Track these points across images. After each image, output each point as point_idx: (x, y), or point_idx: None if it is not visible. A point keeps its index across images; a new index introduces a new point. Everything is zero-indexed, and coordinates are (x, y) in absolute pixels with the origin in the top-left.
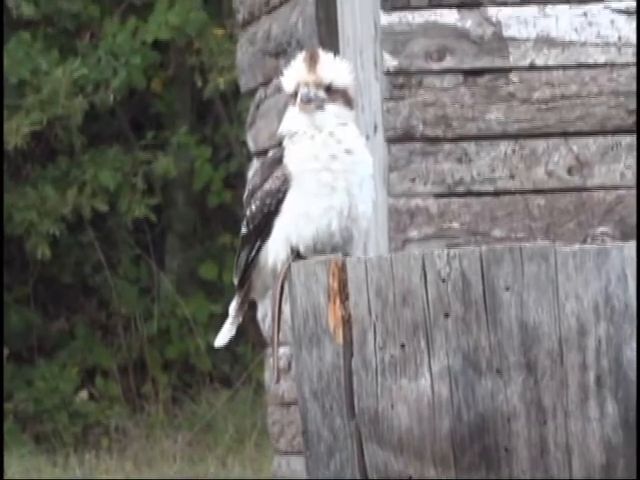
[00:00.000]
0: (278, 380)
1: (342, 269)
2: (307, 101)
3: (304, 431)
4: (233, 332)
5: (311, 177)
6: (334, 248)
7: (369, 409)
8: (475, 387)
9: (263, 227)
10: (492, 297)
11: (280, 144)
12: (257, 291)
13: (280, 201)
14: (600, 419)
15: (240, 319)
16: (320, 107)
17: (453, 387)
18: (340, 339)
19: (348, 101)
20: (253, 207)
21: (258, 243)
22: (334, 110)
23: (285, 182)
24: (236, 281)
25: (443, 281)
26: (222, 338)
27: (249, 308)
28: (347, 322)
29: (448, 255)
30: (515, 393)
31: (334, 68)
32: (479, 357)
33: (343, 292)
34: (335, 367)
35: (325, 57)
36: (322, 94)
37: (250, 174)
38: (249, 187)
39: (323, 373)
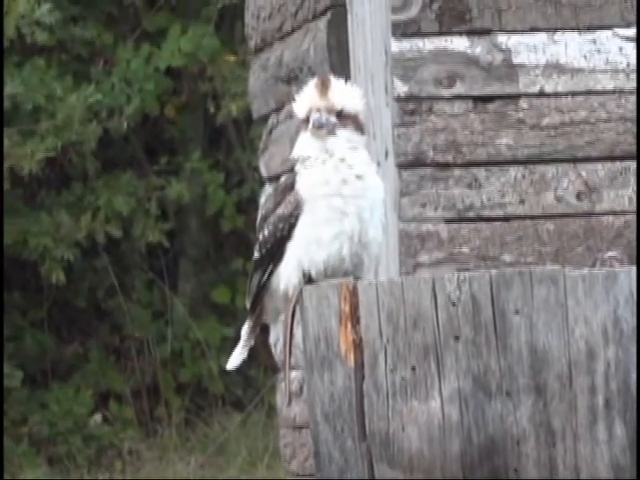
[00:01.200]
0: (290, 403)
1: (353, 293)
2: (319, 126)
3: (316, 453)
4: (245, 355)
5: (322, 202)
6: (345, 273)
7: (380, 431)
8: (485, 409)
9: (275, 251)
10: (502, 320)
11: (292, 169)
12: (269, 315)
13: (292, 226)
14: (609, 441)
15: (252, 342)
16: (332, 132)
17: (463, 409)
18: (351, 362)
19: (359, 126)
20: (266, 232)
21: (270, 267)
22: (345, 135)
23: (297, 207)
24: (248, 305)
25: (453, 304)
26: (234, 361)
27: (261, 331)
28: (358, 345)
29: (458, 279)
30: (524, 415)
31: (345, 94)
32: (489, 380)
33: (354, 316)
34: (346, 390)
35: (337, 83)
36: (333, 119)
37: (262, 199)
38: (262, 212)
39: (334, 396)
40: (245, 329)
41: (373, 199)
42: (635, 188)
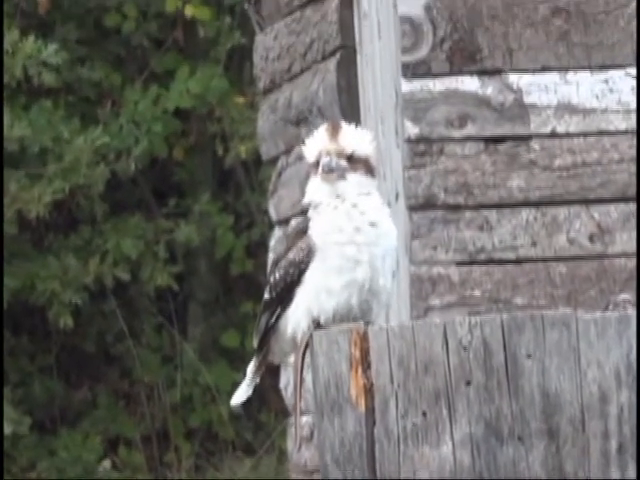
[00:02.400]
0: (300, 448)
1: (364, 338)
2: (329, 170)
3: None
4: (250, 392)
5: (335, 250)
6: (354, 318)
7: (391, 477)
8: (497, 454)
9: (285, 295)
10: (514, 365)
11: (303, 213)
12: (275, 355)
13: (302, 272)
14: None
15: (257, 380)
16: (342, 176)
17: (475, 454)
18: (362, 407)
19: (370, 170)
20: (277, 275)
21: (279, 310)
22: (356, 179)
23: (309, 254)
24: (255, 344)
25: (465, 349)
26: (238, 397)
27: (267, 372)
28: (369, 390)
29: (469, 323)
30: (537, 460)
31: (356, 137)
32: (501, 424)
33: (365, 361)
34: (357, 435)
35: (347, 127)
36: (344, 163)
37: (272, 243)
38: (273, 255)
39: (345, 441)
40: (251, 367)
41: (386, 247)
42: None
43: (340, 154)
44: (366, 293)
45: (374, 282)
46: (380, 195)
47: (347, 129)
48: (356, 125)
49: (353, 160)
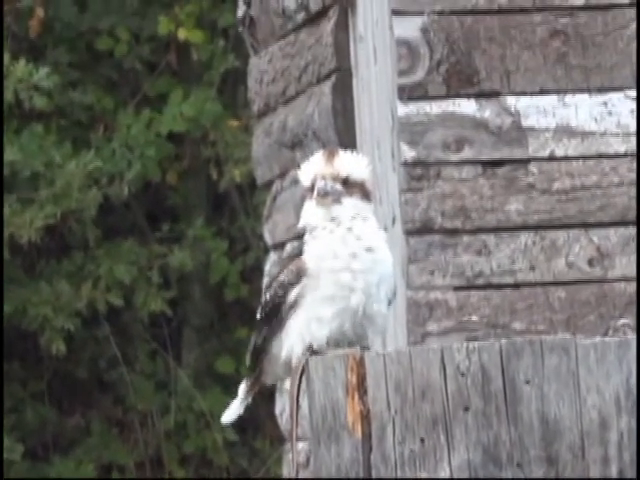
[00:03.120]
0: (297, 475)
1: (360, 364)
2: (324, 194)
3: None
4: (241, 411)
5: (330, 278)
6: (349, 343)
7: None
8: None
9: (273, 316)
10: (512, 390)
11: (299, 237)
12: (268, 377)
13: (288, 292)
14: None
15: (249, 400)
16: (337, 200)
17: None
18: (359, 434)
19: (366, 194)
20: (267, 296)
21: (265, 330)
22: (352, 203)
23: (297, 275)
24: (247, 362)
25: (462, 375)
26: (230, 415)
27: (260, 394)
28: (366, 417)
29: (467, 349)
30: None
31: (351, 162)
32: (499, 451)
33: (362, 387)
34: (354, 462)
35: (343, 152)
36: (339, 187)
37: (267, 267)
38: (268, 277)
39: (342, 468)
40: (243, 387)
41: (382, 273)
42: None
43: (335, 178)
44: (360, 318)
45: (368, 307)
46: (376, 220)
47: (343, 154)
48: (352, 149)
49: (349, 184)
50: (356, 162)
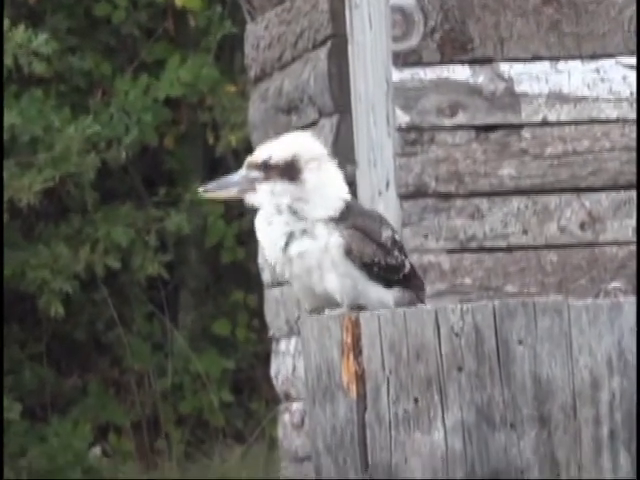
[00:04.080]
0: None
1: (355, 324)
2: (210, 188)
3: None
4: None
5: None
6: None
7: (383, 463)
8: (489, 441)
9: None
10: (505, 351)
11: None
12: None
13: None
14: (613, 472)
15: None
16: (250, 189)
17: (467, 441)
18: (354, 394)
19: (291, 175)
20: None
21: None
22: (267, 188)
23: None
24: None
25: (456, 335)
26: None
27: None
28: (361, 377)
29: (461, 310)
30: (528, 447)
31: (273, 145)
32: (493, 411)
33: (357, 347)
34: (349, 421)
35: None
36: (255, 174)
37: None
38: None
39: (337, 427)
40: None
41: (307, 251)
42: None
43: (250, 165)
44: (322, 299)
45: (319, 290)
46: (307, 193)
47: (273, 141)
48: (347, 114)
49: (269, 169)
50: (280, 145)
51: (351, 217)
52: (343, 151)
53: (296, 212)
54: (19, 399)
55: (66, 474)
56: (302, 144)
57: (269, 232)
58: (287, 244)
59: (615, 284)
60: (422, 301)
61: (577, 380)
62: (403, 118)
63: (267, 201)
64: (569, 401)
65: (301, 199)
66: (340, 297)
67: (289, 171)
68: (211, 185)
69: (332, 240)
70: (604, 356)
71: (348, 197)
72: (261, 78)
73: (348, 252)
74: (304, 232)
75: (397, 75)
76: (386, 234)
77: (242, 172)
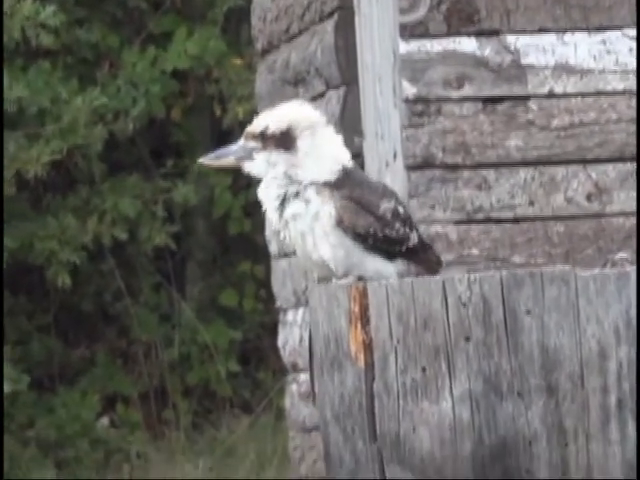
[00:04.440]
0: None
1: (363, 294)
2: (211, 157)
3: (326, 455)
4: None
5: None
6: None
7: (391, 432)
8: (496, 410)
9: None
10: (513, 321)
11: None
12: None
13: None
14: (621, 441)
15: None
16: (248, 158)
17: (474, 410)
18: (362, 363)
19: (287, 144)
20: None
21: None
22: (263, 157)
23: None
24: None
25: (464, 305)
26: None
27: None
28: (368, 346)
29: (469, 279)
30: (536, 416)
31: (270, 115)
32: (500, 380)
33: (364, 316)
34: (357, 391)
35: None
36: (252, 144)
37: None
38: None
39: (345, 397)
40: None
41: (302, 219)
42: None
43: (248, 136)
44: (322, 267)
45: (314, 256)
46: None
47: (270, 110)
48: (353, 86)
49: (265, 138)
50: (277, 114)
51: (348, 186)
52: (350, 123)
53: (290, 177)
54: (27, 370)
55: (74, 444)
56: (297, 113)
57: (266, 195)
58: (282, 206)
59: (622, 254)
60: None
61: (585, 349)
62: (410, 90)
63: (264, 170)
64: (577, 370)
65: (295, 165)
66: (334, 266)
67: (284, 140)
68: (210, 155)
69: (324, 208)
70: (611, 325)
71: (349, 164)
72: (268, 50)
73: (339, 222)
74: (297, 195)
75: (404, 47)
76: (386, 206)
77: (241, 142)
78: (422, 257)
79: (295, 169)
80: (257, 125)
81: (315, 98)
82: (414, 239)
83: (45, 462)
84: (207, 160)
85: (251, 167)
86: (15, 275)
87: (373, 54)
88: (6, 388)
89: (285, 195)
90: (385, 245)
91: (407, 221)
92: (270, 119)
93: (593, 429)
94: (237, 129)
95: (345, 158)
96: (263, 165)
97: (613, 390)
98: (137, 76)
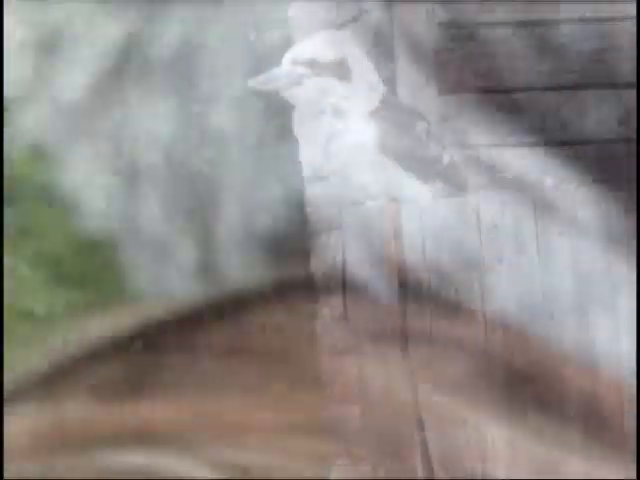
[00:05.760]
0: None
1: (397, 215)
2: (262, 81)
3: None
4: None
5: None
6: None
7: (423, 353)
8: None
9: None
10: (545, 242)
11: None
12: None
13: None
14: None
15: None
16: (297, 84)
17: (506, 330)
18: (395, 284)
19: (340, 73)
20: None
21: None
22: (312, 84)
23: None
24: None
25: (496, 227)
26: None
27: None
28: (402, 267)
29: (501, 202)
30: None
31: (319, 42)
32: (533, 301)
33: (398, 237)
34: (391, 312)
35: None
36: (301, 69)
37: None
38: None
39: (379, 317)
40: None
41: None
42: None
43: (296, 62)
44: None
45: (355, 184)
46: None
47: (318, 35)
48: (382, 10)
49: (316, 66)
50: (325, 42)
51: (386, 111)
52: (383, 48)
53: (337, 110)
54: None
55: None
56: (347, 43)
57: (309, 129)
58: (327, 141)
59: None
60: (463, 195)
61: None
62: (443, 14)
63: (314, 97)
64: None
65: (345, 97)
66: (375, 190)
67: (339, 69)
68: (260, 77)
69: (367, 133)
70: None
71: (385, 93)
72: None
73: (382, 146)
74: (342, 130)
75: None
76: (420, 127)
77: (287, 66)
78: (455, 179)
79: (344, 101)
80: (305, 50)
81: (349, 22)
82: (447, 159)
83: None
84: (255, 84)
85: (300, 94)
86: None
87: None
88: None
89: (330, 132)
90: (422, 166)
91: (440, 141)
92: (318, 46)
93: None
94: (274, 52)
95: (383, 88)
96: (314, 92)
97: None
98: None
